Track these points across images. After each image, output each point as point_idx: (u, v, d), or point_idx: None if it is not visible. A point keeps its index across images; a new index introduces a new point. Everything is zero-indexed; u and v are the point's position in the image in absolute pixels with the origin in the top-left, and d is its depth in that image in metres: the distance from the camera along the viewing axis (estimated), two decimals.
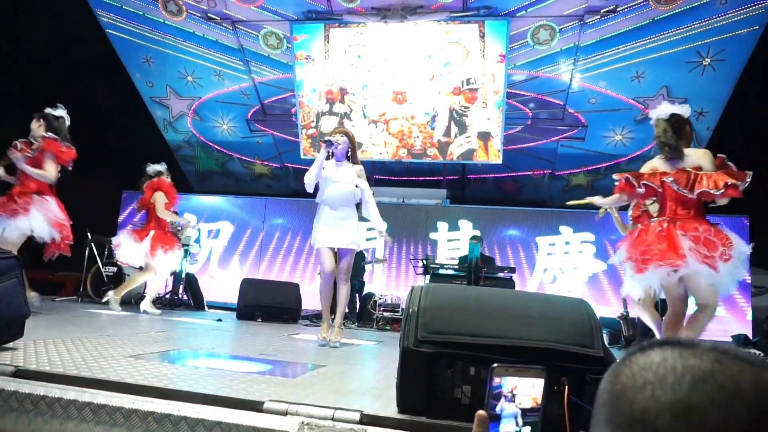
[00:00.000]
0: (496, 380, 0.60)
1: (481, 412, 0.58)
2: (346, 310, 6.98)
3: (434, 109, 8.49)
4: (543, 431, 0.64)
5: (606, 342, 1.91)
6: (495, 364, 0.61)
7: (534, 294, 3.21)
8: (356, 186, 4.04)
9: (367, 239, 8.66)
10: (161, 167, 6.01)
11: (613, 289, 7.90)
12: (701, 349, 0.45)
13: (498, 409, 0.60)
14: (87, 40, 8.42)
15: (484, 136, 8.41)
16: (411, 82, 8.45)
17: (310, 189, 4.05)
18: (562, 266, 8.36)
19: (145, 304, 5.66)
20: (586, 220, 8.10)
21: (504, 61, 7.92)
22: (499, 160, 8.50)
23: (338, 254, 4.03)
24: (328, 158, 4.09)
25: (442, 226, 8.74)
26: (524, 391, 0.61)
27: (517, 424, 0.60)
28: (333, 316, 4.04)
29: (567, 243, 8.38)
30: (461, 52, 8.12)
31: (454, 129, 8.48)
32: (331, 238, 3.95)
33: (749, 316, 7.53)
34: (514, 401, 0.60)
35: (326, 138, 4.07)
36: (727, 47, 7.32)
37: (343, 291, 4.00)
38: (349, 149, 4.09)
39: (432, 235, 8.75)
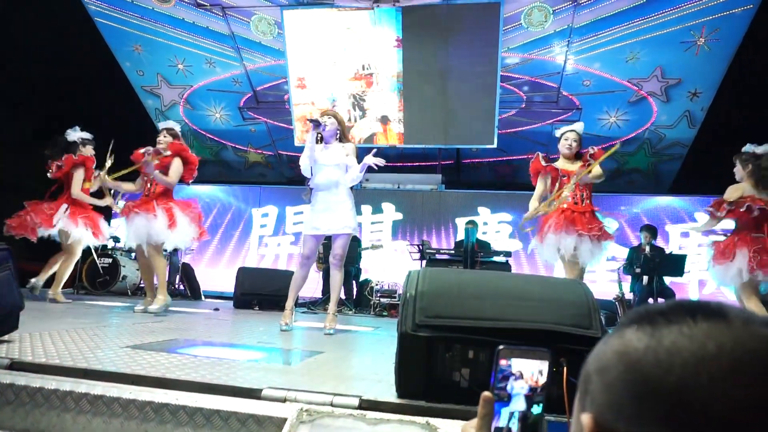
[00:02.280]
0: (503, 362, 0.59)
1: (486, 393, 0.57)
2: (343, 296, 7.03)
3: (332, 94, 8.70)
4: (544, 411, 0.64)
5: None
6: (501, 346, 0.60)
7: (532, 276, 3.22)
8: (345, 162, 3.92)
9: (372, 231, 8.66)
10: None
11: (531, 267, 7.99)
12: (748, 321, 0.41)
13: (508, 388, 0.59)
14: (76, 31, 8.29)
15: (385, 120, 8.64)
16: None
17: (307, 173, 4.00)
18: None
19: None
20: (504, 201, 8.42)
21: (400, 47, 8.04)
22: (399, 143, 8.70)
23: (332, 239, 3.97)
24: (319, 141, 4.03)
25: (366, 209, 8.73)
26: (531, 371, 0.60)
27: (525, 403, 0.59)
28: (323, 305, 3.99)
29: (485, 223, 8.45)
30: (355, 38, 8.18)
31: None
32: (321, 223, 3.88)
33: None
34: (522, 381, 0.59)
35: (313, 118, 3.99)
36: (721, 27, 7.27)
37: (337, 277, 3.95)
38: (338, 131, 4.01)
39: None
